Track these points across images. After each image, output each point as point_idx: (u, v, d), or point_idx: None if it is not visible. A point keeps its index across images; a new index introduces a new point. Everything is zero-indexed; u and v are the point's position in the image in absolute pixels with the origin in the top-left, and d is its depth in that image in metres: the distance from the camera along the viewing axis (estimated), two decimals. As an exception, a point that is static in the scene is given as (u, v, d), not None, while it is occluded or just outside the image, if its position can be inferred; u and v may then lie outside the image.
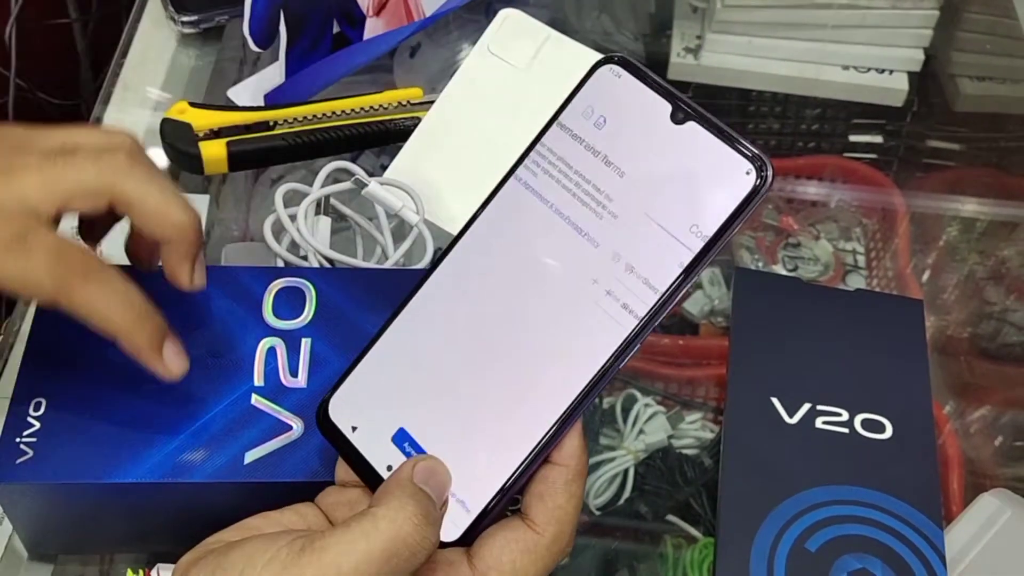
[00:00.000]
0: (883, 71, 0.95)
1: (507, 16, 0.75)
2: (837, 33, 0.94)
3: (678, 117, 0.46)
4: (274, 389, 0.56)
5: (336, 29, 0.80)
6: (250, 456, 0.53)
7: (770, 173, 0.44)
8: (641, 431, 0.70)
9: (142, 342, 0.50)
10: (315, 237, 0.67)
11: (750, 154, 0.44)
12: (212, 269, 0.55)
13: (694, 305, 0.77)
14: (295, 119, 0.75)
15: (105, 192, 0.49)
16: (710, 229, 0.44)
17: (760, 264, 0.81)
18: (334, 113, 0.75)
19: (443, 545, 0.46)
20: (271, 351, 0.57)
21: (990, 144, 0.96)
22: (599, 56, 0.49)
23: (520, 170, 0.49)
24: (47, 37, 1.19)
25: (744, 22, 0.94)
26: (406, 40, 0.84)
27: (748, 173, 0.44)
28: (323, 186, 0.68)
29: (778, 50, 0.95)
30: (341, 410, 0.50)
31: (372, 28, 0.81)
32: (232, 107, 0.72)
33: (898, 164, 0.93)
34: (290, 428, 0.54)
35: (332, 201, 0.70)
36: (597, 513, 0.67)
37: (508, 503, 0.47)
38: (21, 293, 0.49)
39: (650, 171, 0.46)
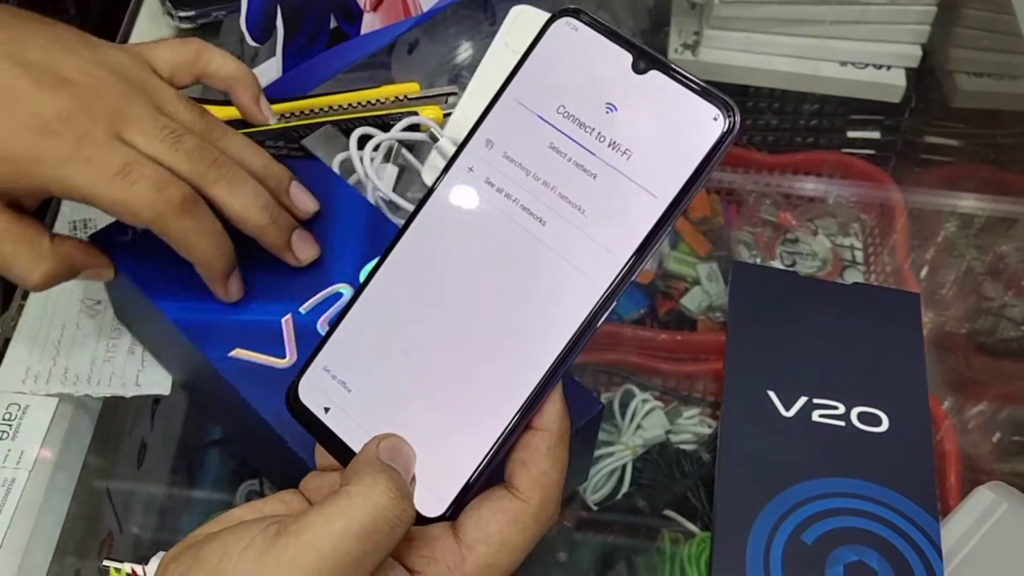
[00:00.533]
0: (881, 67, 0.95)
1: (520, 12, 0.78)
2: (835, 29, 0.94)
3: (640, 67, 0.44)
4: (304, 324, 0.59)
5: (333, 24, 0.80)
6: (235, 353, 0.58)
7: (737, 118, 0.43)
8: (639, 426, 0.70)
9: (216, 273, 0.58)
10: (381, 180, 0.71)
11: (717, 100, 0.43)
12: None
13: (692, 301, 0.77)
14: (292, 114, 0.75)
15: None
16: (681, 178, 0.43)
17: (758, 260, 0.81)
18: (331, 108, 0.75)
19: (427, 521, 0.45)
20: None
21: (988, 140, 0.96)
22: None
23: (480, 130, 0.47)
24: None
25: (742, 18, 0.94)
26: (404, 36, 0.85)
27: (716, 119, 0.43)
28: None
29: (776, 46, 0.95)
30: (311, 393, 0.49)
31: (369, 23, 0.81)
32: (229, 102, 0.71)
33: (896, 160, 0.93)
34: (283, 356, 0.58)
35: (403, 152, 0.74)
36: (595, 508, 0.67)
37: (492, 474, 0.46)
38: (121, 217, 0.55)
39: (616, 123, 0.45)
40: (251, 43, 0.76)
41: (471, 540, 0.45)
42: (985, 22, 1.02)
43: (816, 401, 0.64)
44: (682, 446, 0.69)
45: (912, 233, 0.84)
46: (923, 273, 0.82)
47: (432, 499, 0.45)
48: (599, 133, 0.45)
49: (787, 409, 0.64)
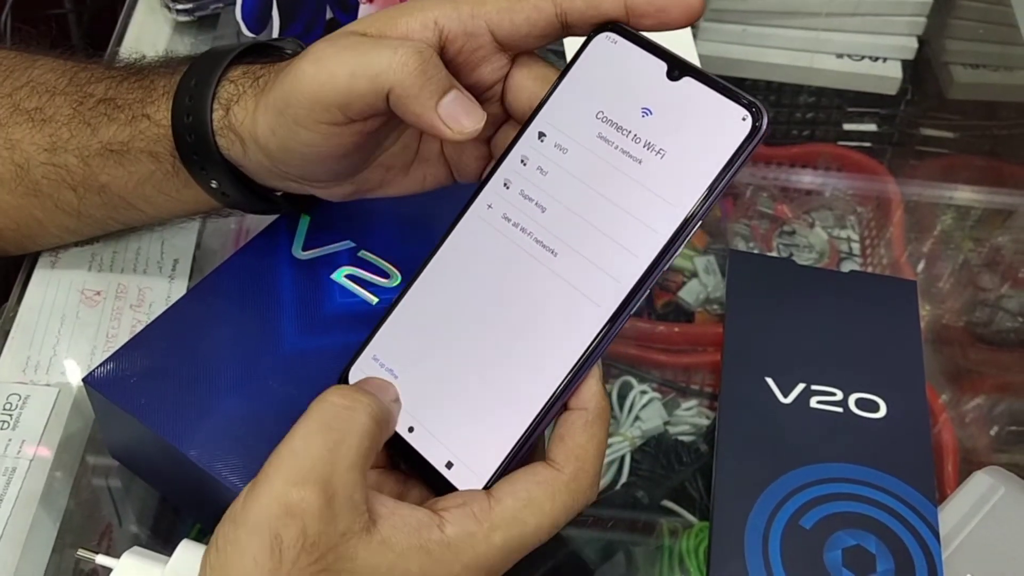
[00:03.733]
0: (877, 59, 0.95)
1: None
2: (831, 21, 0.94)
3: (674, 74, 0.47)
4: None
5: (329, 15, 0.80)
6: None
7: (765, 119, 0.45)
8: (637, 418, 0.70)
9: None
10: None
11: (745, 101, 0.46)
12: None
13: (689, 293, 0.77)
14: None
15: None
16: (710, 174, 0.46)
17: (755, 252, 0.81)
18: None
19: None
20: None
21: (984, 132, 0.96)
22: None
23: (523, 140, 0.50)
24: (42, 27, 1.18)
25: (738, 10, 0.94)
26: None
27: (744, 119, 0.45)
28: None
29: (772, 38, 0.95)
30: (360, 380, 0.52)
31: (365, 15, 0.81)
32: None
33: (892, 152, 0.93)
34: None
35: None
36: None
37: (526, 456, 0.48)
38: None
39: (653, 126, 0.47)
40: (247, 34, 0.76)
41: (500, 494, 0.46)
42: (981, 13, 1.02)
43: (814, 387, 0.64)
44: (680, 437, 0.70)
45: (909, 225, 0.84)
46: (920, 265, 0.82)
47: (471, 476, 0.48)
48: (635, 135, 0.48)
49: (785, 395, 0.64)
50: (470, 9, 0.51)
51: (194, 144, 0.57)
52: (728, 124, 0.46)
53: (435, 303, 0.51)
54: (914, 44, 0.96)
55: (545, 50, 0.55)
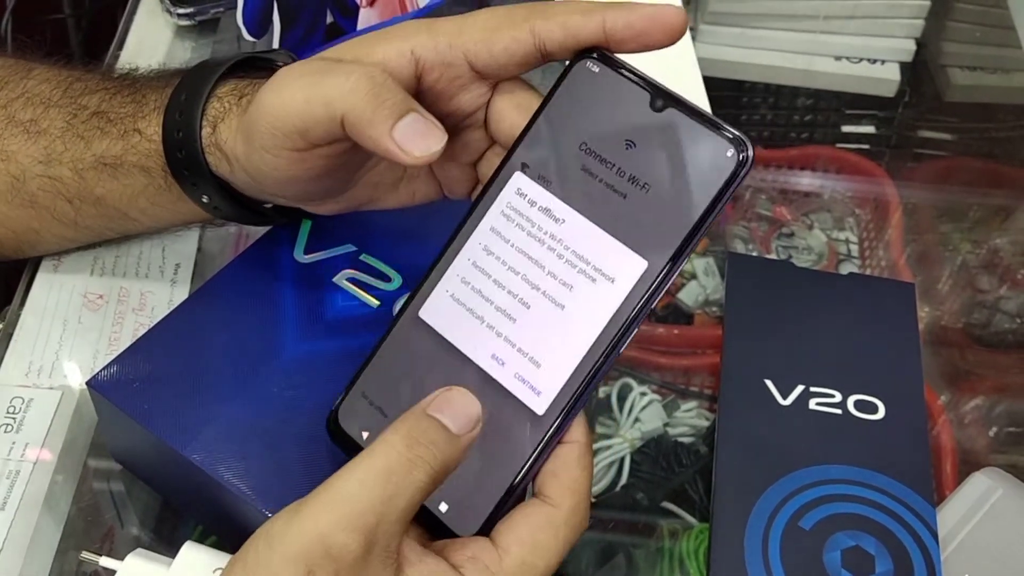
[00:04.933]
0: (875, 61, 0.96)
1: None
2: (829, 24, 0.95)
3: (657, 105, 0.47)
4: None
5: (330, 19, 0.80)
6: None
7: (750, 152, 0.44)
8: (637, 419, 0.70)
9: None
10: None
11: (730, 135, 0.45)
12: None
13: (688, 295, 0.77)
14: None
15: None
16: (696, 211, 0.45)
17: (754, 255, 0.81)
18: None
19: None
20: None
21: (981, 134, 0.96)
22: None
23: (504, 172, 0.50)
24: (42, 33, 1.19)
25: (736, 13, 0.94)
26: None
27: (729, 154, 0.45)
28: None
29: (770, 41, 0.95)
30: (349, 418, 0.51)
31: (365, 18, 0.82)
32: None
33: (890, 154, 0.93)
34: None
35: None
36: (593, 500, 0.67)
37: (521, 494, 0.48)
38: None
39: (635, 161, 0.47)
40: (248, 38, 0.76)
41: (506, 543, 0.46)
42: (978, 16, 1.02)
43: (813, 389, 0.64)
44: (680, 439, 0.70)
45: (907, 227, 0.84)
46: (918, 267, 0.82)
47: (466, 520, 0.47)
48: (619, 168, 0.47)
49: (784, 397, 0.64)
50: (447, 39, 0.51)
51: (184, 160, 0.57)
52: (714, 159, 0.45)
53: (422, 341, 0.50)
54: (912, 47, 0.96)
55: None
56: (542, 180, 0.49)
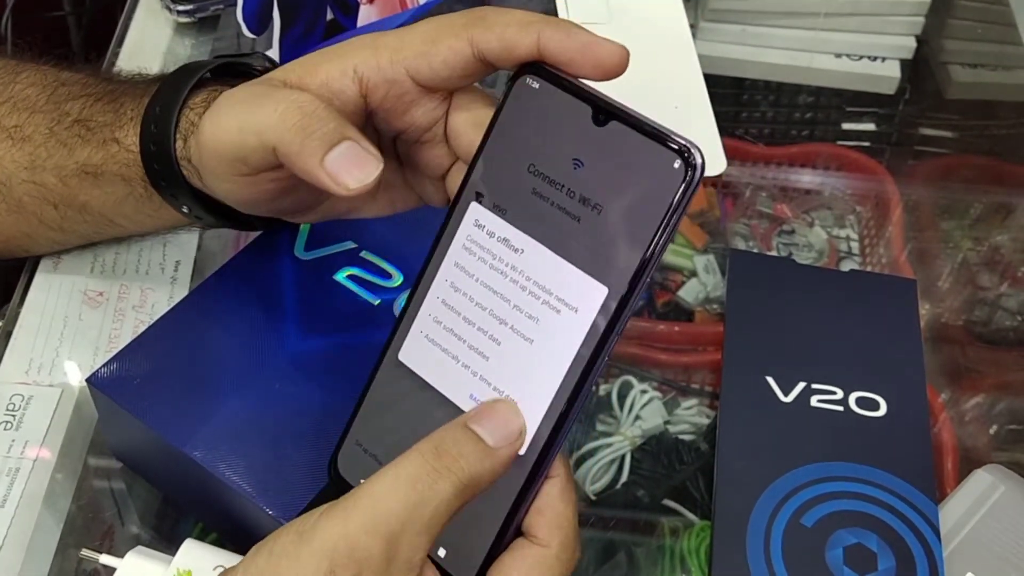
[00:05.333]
0: (875, 59, 0.96)
1: None
2: (829, 21, 0.95)
3: (599, 119, 0.44)
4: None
5: (330, 16, 0.80)
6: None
7: (699, 160, 0.42)
8: (637, 417, 0.70)
9: None
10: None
11: (677, 146, 0.42)
12: None
13: (689, 293, 0.77)
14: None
15: None
16: (650, 229, 0.43)
17: (755, 252, 0.81)
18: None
19: None
20: None
21: (982, 131, 0.96)
22: None
23: (461, 203, 0.48)
24: (42, 30, 1.19)
25: (737, 10, 0.94)
26: (400, 29, 0.85)
27: (676, 165, 0.42)
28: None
29: (771, 38, 0.95)
30: (348, 466, 0.51)
31: (366, 15, 0.82)
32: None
33: (891, 151, 0.93)
34: None
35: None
36: (594, 499, 0.67)
37: (516, 531, 0.47)
38: None
39: (583, 180, 0.45)
40: (248, 35, 0.76)
41: None
42: (979, 13, 1.02)
43: (815, 386, 0.64)
44: (680, 436, 0.70)
45: (908, 224, 0.84)
46: (919, 264, 0.82)
47: (465, 560, 0.47)
48: (568, 189, 0.45)
49: (786, 394, 0.64)
50: (388, 55, 0.50)
51: (161, 171, 0.57)
52: (661, 171, 0.42)
53: (405, 387, 0.49)
54: (912, 44, 0.96)
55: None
56: (497, 209, 0.47)
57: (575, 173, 0.44)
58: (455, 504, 0.44)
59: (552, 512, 0.46)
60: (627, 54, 0.46)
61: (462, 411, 0.47)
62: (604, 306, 0.44)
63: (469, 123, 0.50)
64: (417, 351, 0.49)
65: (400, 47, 0.50)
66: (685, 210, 0.43)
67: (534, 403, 0.46)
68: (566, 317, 0.45)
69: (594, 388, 0.71)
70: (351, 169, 0.47)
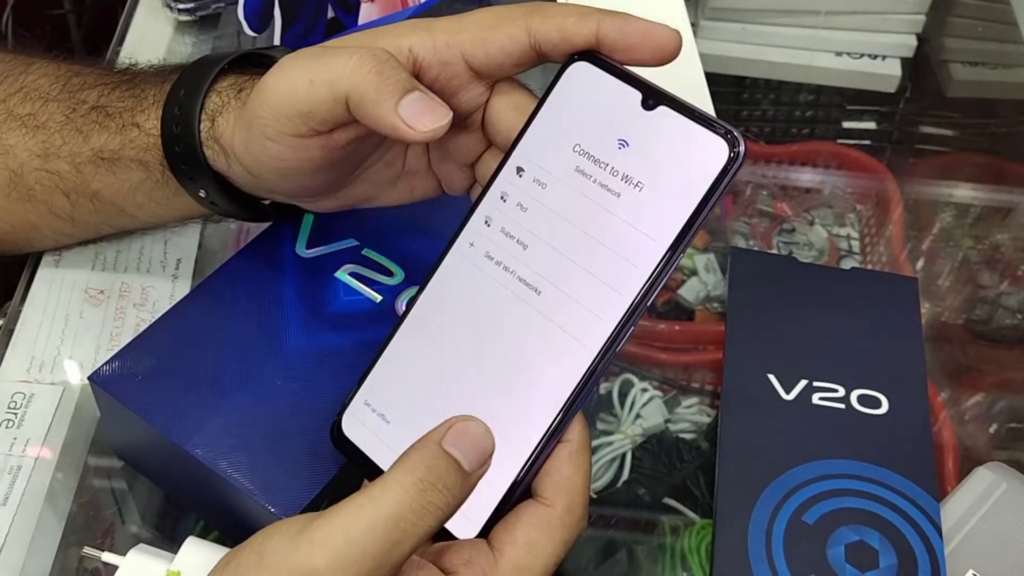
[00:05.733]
0: (876, 57, 0.96)
1: None
2: (830, 19, 0.95)
3: (648, 103, 0.47)
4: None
5: (331, 14, 0.80)
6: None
7: (742, 147, 0.44)
8: (638, 416, 0.70)
9: None
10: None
11: (722, 130, 0.45)
12: None
13: (689, 292, 0.77)
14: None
15: None
16: (689, 207, 0.45)
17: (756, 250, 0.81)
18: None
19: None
20: None
21: (983, 129, 0.96)
22: None
23: (502, 176, 0.50)
24: (43, 29, 1.19)
25: (737, 9, 0.94)
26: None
27: (721, 149, 0.45)
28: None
29: (771, 37, 0.95)
30: (353, 425, 0.51)
31: (367, 14, 0.82)
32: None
33: (891, 150, 0.93)
34: None
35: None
36: (595, 497, 0.67)
37: (520, 496, 0.47)
38: None
39: (628, 160, 0.47)
40: (249, 33, 0.76)
41: (500, 544, 0.46)
42: (980, 11, 1.02)
43: (816, 384, 0.64)
44: (681, 435, 0.70)
45: (908, 223, 0.84)
46: (919, 263, 0.82)
47: (465, 522, 0.47)
48: (612, 168, 0.47)
49: (787, 392, 0.64)
50: (445, 38, 0.51)
51: (182, 154, 0.57)
52: (705, 154, 0.45)
53: (423, 346, 0.50)
54: (913, 42, 0.96)
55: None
56: (537, 183, 0.49)
57: (620, 153, 0.47)
58: (434, 532, 0.43)
59: (560, 475, 0.47)
60: (681, 38, 0.48)
61: (484, 372, 0.48)
62: (633, 279, 0.46)
63: (510, 107, 0.52)
64: (443, 308, 0.50)
65: (457, 31, 0.51)
66: (727, 190, 0.45)
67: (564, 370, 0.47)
68: (593, 286, 0.47)
69: (596, 390, 0.71)
70: (424, 116, 0.48)
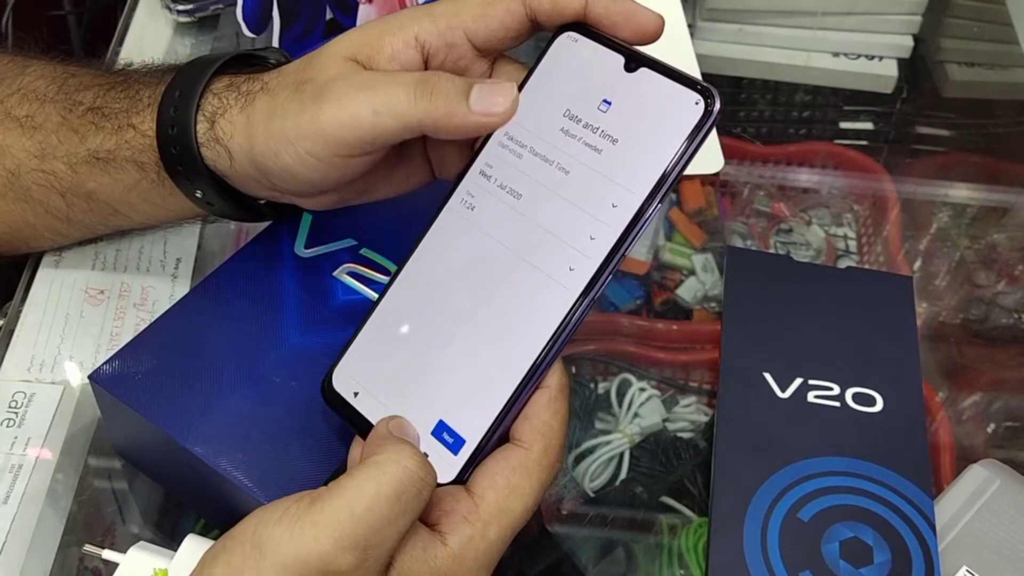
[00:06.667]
0: (873, 58, 0.96)
1: None
2: (827, 20, 0.95)
3: (630, 66, 0.50)
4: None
5: (329, 15, 0.80)
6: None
7: (717, 103, 0.47)
8: (636, 415, 0.70)
9: None
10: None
11: (699, 87, 0.48)
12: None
13: (687, 291, 0.78)
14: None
15: None
16: (665, 159, 0.47)
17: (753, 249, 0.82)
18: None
19: (439, 486, 0.48)
20: None
21: (979, 130, 0.96)
22: None
23: (492, 141, 0.53)
24: (43, 29, 1.19)
25: (734, 9, 0.95)
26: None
27: (697, 103, 0.47)
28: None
29: (768, 37, 0.96)
30: (343, 380, 0.53)
31: (365, 15, 0.82)
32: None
33: (888, 150, 0.93)
34: None
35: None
36: (593, 495, 0.67)
37: (497, 442, 0.49)
38: None
39: (610, 119, 0.49)
40: (247, 34, 0.76)
41: (480, 489, 0.48)
42: (976, 12, 1.02)
43: (811, 382, 0.65)
44: (679, 434, 0.70)
45: (905, 223, 0.84)
46: (916, 263, 0.82)
47: (444, 465, 0.49)
48: (595, 127, 0.50)
49: (783, 390, 0.64)
50: (447, 20, 0.53)
51: (179, 155, 0.57)
52: (682, 109, 0.48)
53: (409, 301, 0.53)
54: (910, 42, 0.96)
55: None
56: (524, 146, 0.51)
57: (602, 113, 0.50)
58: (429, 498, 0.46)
59: (538, 420, 0.49)
60: (663, 22, 0.51)
61: (471, 326, 0.50)
62: (612, 227, 0.48)
63: (508, 80, 0.53)
64: (430, 261, 0.53)
65: (457, 12, 0.53)
66: (702, 142, 0.48)
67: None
68: (575, 234, 0.49)
69: (593, 386, 0.71)
70: (496, 97, 0.50)
